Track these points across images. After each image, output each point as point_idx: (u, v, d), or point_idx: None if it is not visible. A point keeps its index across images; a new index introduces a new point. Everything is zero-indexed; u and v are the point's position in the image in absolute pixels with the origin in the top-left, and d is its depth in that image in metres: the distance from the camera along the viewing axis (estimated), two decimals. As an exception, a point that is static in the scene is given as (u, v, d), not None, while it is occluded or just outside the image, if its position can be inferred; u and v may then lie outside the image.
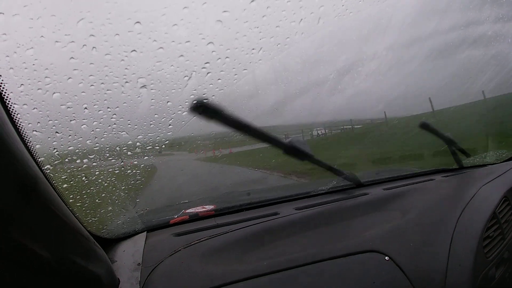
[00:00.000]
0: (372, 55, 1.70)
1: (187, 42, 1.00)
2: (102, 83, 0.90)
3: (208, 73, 1.06)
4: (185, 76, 1.02)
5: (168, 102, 1.07)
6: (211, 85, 1.09)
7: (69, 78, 0.85)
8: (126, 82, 0.96)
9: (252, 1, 1.06)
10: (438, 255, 0.96)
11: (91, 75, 0.88)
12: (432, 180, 1.58)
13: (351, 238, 1.01)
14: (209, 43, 1.03)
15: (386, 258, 0.92)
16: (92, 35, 0.83)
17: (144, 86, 0.99)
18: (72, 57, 0.83)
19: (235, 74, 1.16)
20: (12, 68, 0.74)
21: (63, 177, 0.90)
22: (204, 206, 1.27)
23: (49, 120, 0.82)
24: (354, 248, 0.94)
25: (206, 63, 1.04)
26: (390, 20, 1.75)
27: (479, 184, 1.35)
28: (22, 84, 0.76)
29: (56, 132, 0.85)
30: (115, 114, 0.95)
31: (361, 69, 1.76)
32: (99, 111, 0.93)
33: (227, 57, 1.06)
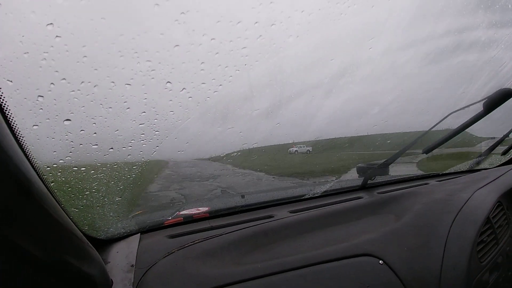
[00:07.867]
0: (367, 59, 1.72)
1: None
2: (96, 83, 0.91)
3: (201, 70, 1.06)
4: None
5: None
6: (203, 85, 1.09)
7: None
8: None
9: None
10: (432, 259, 0.96)
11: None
12: (426, 184, 1.57)
13: (345, 241, 1.01)
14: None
15: (380, 262, 0.92)
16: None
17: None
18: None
19: (230, 76, 1.17)
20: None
21: (58, 179, 0.89)
22: (199, 208, 1.25)
23: (46, 118, 0.82)
24: (348, 252, 0.94)
25: (202, 63, 1.04)
26: (384, 25, 1.77)
27: (473, 188, 1.34)
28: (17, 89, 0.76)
29: (54, 133, 0.85)
30: (109, 112, 0.95)
31: (356, 72, 1.77)
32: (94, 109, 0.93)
33: (217, 52, 1.05)
